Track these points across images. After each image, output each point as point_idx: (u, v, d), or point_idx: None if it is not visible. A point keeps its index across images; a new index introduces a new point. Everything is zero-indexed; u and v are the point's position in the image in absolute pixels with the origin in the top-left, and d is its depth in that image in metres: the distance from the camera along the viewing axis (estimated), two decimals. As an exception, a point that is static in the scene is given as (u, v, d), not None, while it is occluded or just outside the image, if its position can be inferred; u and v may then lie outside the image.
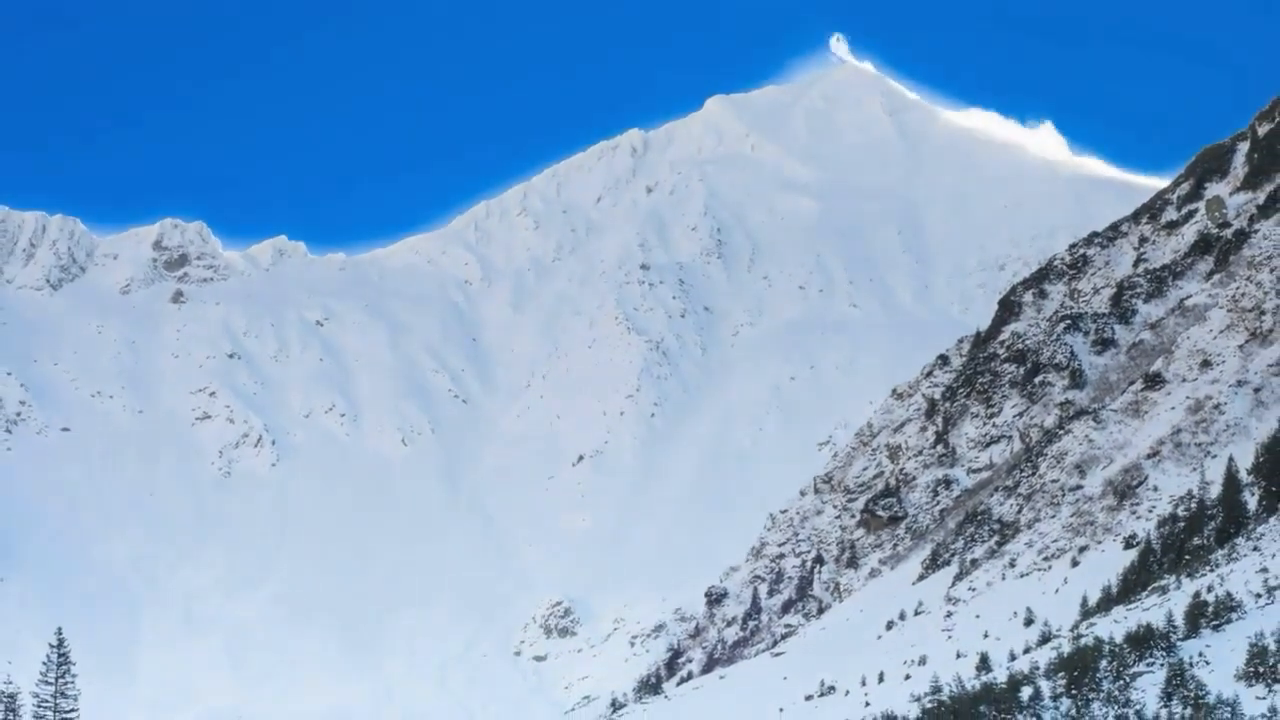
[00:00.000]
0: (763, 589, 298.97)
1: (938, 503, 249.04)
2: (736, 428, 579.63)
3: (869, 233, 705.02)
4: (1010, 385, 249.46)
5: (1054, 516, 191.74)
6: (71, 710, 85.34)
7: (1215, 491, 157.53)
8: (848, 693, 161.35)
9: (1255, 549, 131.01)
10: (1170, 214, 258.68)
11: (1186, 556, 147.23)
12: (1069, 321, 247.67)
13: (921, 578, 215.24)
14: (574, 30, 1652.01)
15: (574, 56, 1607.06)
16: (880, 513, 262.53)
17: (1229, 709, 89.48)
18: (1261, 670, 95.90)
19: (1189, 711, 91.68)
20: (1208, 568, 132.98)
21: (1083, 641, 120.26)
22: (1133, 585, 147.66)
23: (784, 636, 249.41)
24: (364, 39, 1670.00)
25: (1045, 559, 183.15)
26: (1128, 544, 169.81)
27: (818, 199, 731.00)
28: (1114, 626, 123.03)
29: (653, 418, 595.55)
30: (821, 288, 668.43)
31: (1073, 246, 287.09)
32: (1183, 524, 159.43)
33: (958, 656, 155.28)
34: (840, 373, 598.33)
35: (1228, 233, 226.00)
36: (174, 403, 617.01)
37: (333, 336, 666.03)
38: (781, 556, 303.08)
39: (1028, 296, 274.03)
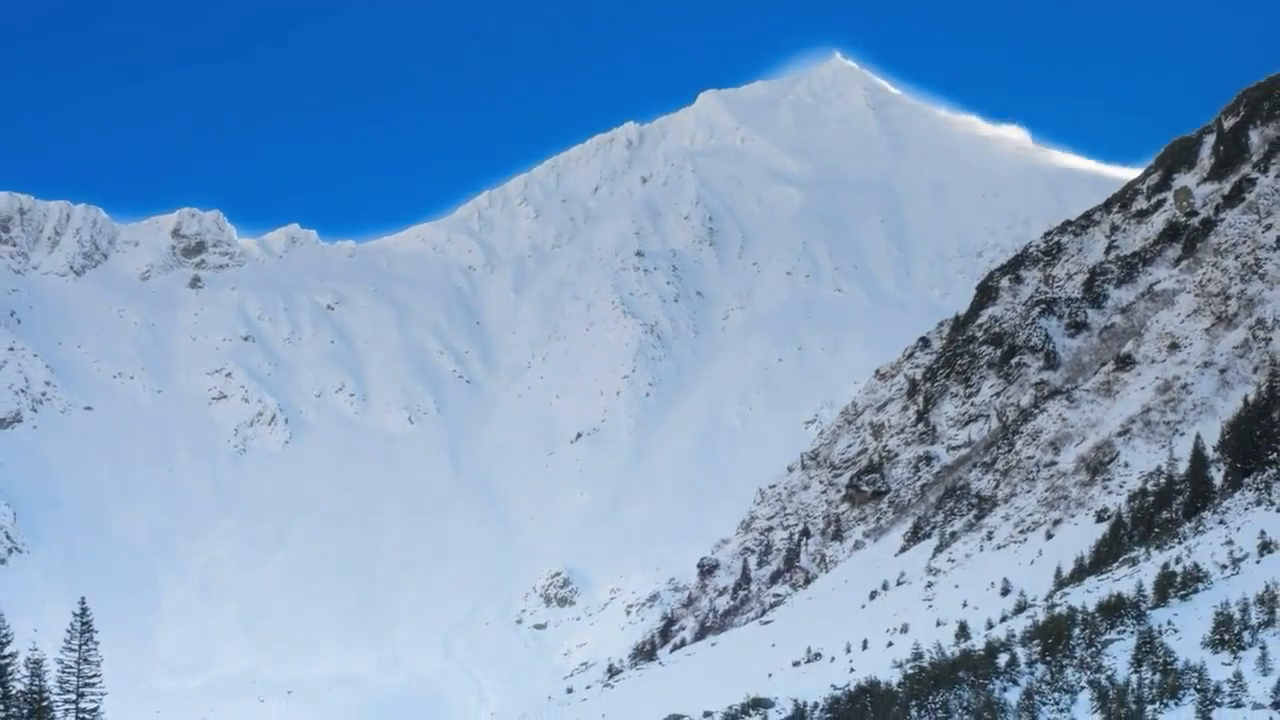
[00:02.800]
0: (752, 560, 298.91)
1: (919, 478, 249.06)
2: (727, 407, 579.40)
3: (853, 221, 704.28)
4: (988, 366, 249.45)
5: (1029, 491, 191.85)
6: (94, 675, 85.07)
7: (1183, 468, 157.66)
8: (833, 659, 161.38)
9: (1221, 522, 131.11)
10: (1140, 203, 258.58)
11: (1156, 530, 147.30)
12: (1044, 306, 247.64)
13: (903, 550, 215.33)
14: (573, 29, 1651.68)
15: (572, 54, 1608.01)
16: (864, 488, 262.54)
17: (1196, 675, 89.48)
18: (1227, 638, 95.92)
19: (1158, 677, 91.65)
20: (1176, 540, 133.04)
21: (1057, 610, 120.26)
22: (1104, 557, 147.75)
23: (772, 606, 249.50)
24: (374, 39, 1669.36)
25: (1021, 532, 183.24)
26: (1100, 517, 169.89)
27: (804, 189, 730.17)
28: (1086, 596, 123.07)
29: (647, 397, 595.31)
30: (808, 273, 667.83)
31: (1047, 234, 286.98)
32: (1152, 499, 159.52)
33: (938, 625, 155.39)
34: (826, 354, 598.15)
35: (1195, 221, 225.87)
36: (191, 383, 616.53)
37: (343, 320, 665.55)
38: (770, 529, 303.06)
39: (1004, 282, 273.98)
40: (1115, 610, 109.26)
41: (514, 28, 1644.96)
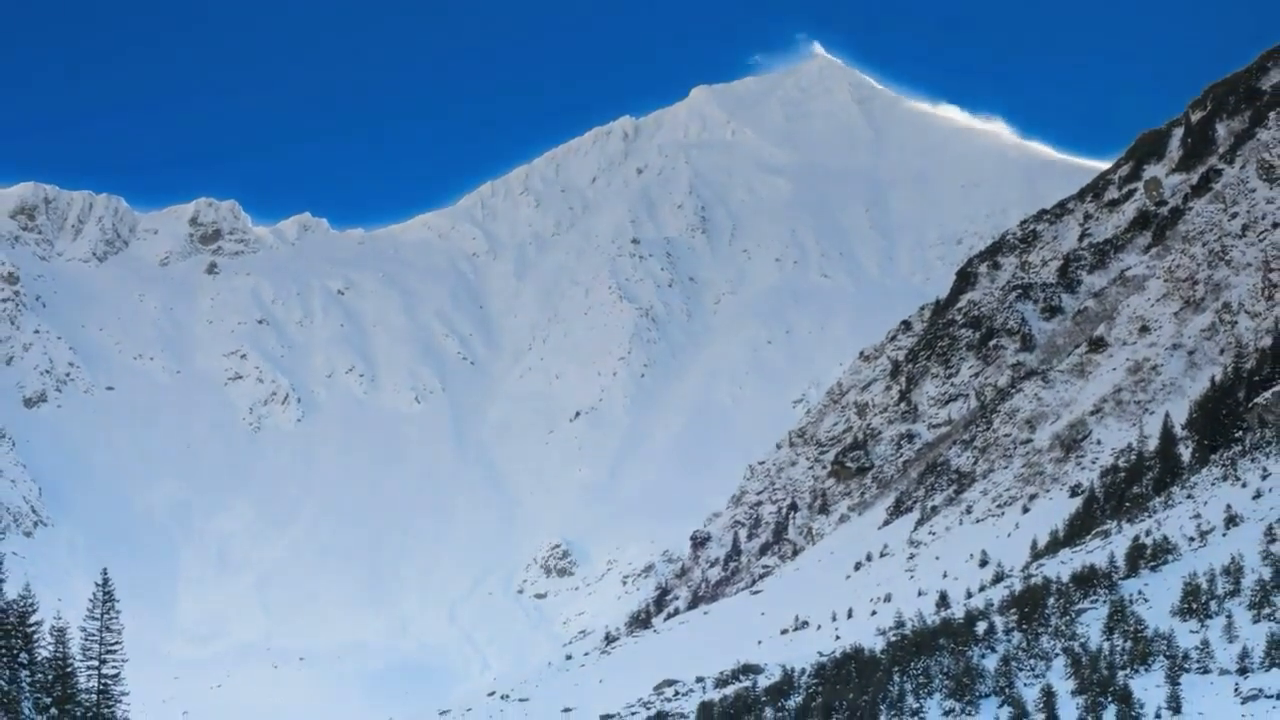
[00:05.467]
0: (742, 533, 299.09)
1: (901, 455, 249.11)
2: (719, 387, 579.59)
3: (838, 210, 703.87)
4: (967, 348, 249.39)
5: (1007, 467, 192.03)
6: (116, 643, 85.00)
7: (1153, 445, 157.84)
8: (819, 627, 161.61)
9: (1189, 497, 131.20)
10: (1112, 193, 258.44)
11: (1127, 504, 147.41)
12: (1020, 290, 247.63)
13: (886, 523, 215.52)
14: (571, 27, 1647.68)
15: (571, 51, 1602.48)
16: (849, 464, 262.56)
17: (1165, 642, 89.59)
18: (1195, 607, 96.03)
19: (1129, 644, 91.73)
20: (1146, 514, 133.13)
21: (1033, 581, 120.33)
22: (1078, 530, 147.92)
23: (762, 576, 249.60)
24: (382, 39, 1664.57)
25: (999, 506, 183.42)
26: (1073, 492, 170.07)
27: (792, 179, 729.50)
28: (1061, 567, 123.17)
29: (643, 378, 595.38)
30: (796, 260, 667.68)
31: (1024, 222, 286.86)
32: (1123, 474, 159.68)
33: (919, 594, 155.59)
34: (813, 337, 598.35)
35: (1164, 210, 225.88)
36: (208, 364, 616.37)
37: (352, 304, 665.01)
38: (759, 504, 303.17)
39: (983, 268, 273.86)
40: (1088, 580, 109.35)
41: (516, 27, 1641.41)
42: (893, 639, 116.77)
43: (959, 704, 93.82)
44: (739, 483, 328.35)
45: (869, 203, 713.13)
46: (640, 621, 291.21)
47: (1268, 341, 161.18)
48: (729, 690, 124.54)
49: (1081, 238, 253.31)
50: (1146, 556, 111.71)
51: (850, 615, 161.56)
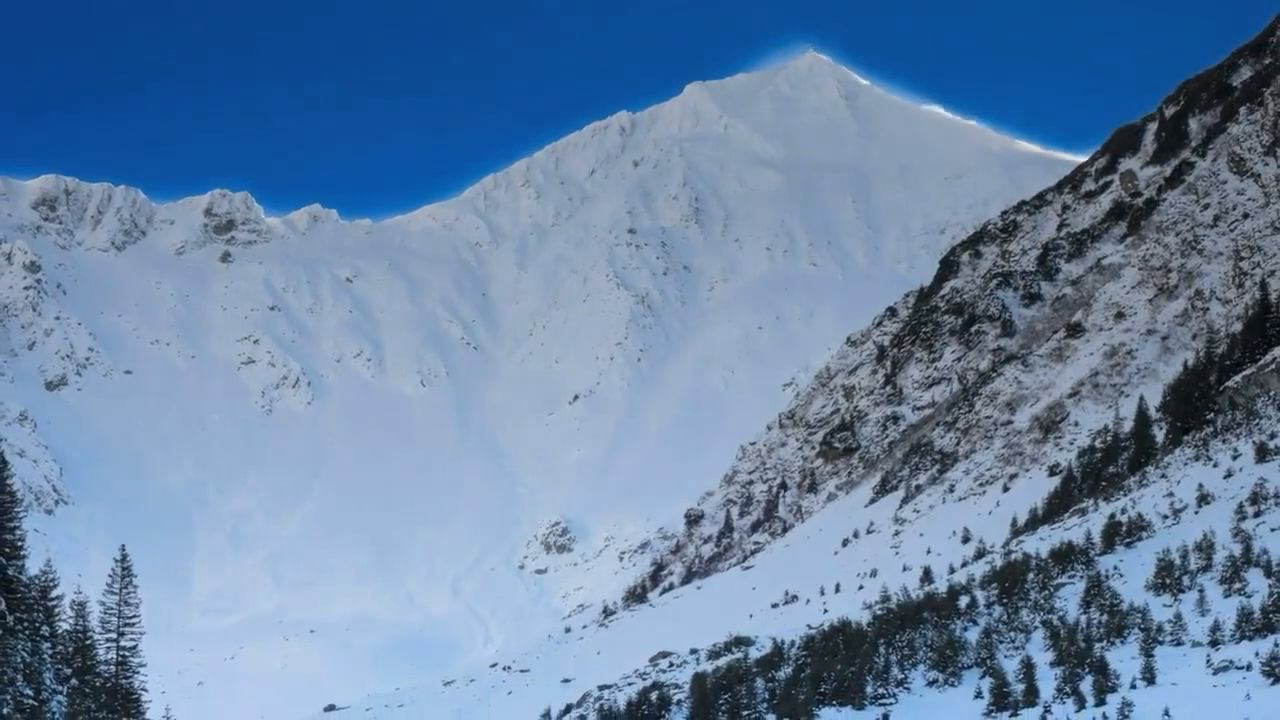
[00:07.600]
0: (734, 511, 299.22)
1: (887, 436, 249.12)
2: (711, 371, 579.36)
3: (827, 201, 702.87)
4: (950, 334, 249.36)
5: (988, 448, 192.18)
6: (133, 616, 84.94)
7: (1128, 426, 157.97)
8: (808, 601, 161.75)
9: (1163, 476, 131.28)
10: (1089, 185, 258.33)
11: (1103, 483, 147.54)
12: (1001, 278, 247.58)
13: (872, 501, 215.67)
14: (570, 26, 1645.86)
15: (570, 49, 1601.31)
16: (837, 445, 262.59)
17: (1140, 615, 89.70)
18: (1168, 582, 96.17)
19: (1105, 617, 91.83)
20: (1122, 493, 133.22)
21: (1013, 556, 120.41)
22: (1056, 508, 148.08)
23: (753, 553, 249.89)
24: (390, 37, 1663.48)
25: (980, 485, 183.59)
26: (1052, 472, 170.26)
27: (782, 172, 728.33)
28: (1040, 544, 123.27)
29: (639, 362, 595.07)
30: (786, 249, 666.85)
31: (1004, 213, 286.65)
32: (1100, 454, 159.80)
33: (904, 569, 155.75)
34: (802, 323, 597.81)
35: (1139, 201, 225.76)
36: (222, 349, 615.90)
37: (360, 292, 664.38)
38: (751, 483, 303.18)
39: (965, 257, 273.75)
40: (1066, 556, 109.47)
41: (517, 27, 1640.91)
42: (878, 612, 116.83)
43: (942, 675, 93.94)
44: (731, 463, 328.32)
45: (856, 194, 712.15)
46: (636, 596, 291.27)
47: (1238, 327, 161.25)
48: (721, 661, 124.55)
49: (1060, 228, 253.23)
50: (1122, 533, 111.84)
51: (838, 590, 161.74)
